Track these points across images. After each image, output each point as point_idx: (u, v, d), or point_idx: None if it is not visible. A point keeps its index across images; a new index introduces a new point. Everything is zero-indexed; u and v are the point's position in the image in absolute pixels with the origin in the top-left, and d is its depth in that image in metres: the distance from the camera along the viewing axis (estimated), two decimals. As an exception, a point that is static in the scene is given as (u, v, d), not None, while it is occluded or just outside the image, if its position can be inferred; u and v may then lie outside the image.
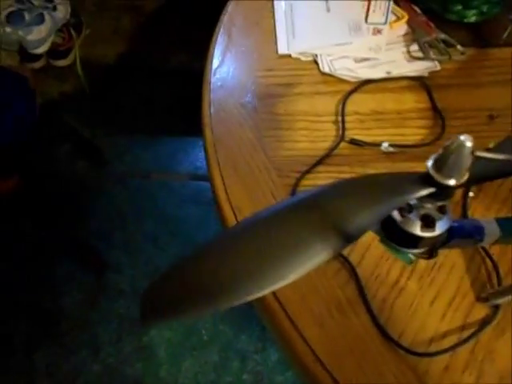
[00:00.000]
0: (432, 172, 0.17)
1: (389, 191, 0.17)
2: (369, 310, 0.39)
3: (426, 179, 0.17)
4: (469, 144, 0.16)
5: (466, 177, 0.17)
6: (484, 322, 0.38)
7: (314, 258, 0.15)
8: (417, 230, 0.19)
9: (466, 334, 0.37)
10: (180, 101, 1.10)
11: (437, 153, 0.17)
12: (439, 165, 0.17)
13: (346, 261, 0.41)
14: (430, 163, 0.17)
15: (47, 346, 1.11)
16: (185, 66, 1.42)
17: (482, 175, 0.18)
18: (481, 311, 0.39)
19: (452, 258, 0.41)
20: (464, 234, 0.21)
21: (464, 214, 0.44)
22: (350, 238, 0.16)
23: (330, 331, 0.38)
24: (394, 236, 0.20)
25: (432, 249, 0.21)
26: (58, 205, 1.30)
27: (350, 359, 0.37)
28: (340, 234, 0.16)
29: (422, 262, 0.41)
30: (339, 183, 0.17)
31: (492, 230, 0.21)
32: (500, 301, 0.38)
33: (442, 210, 0.19)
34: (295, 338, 0.38)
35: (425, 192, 0.17)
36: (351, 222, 0.16)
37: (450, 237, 0.21)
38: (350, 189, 0.17)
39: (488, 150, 0.21)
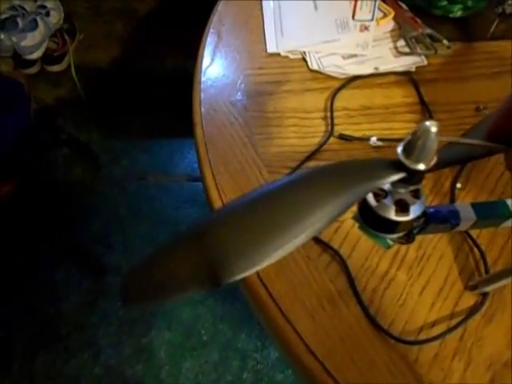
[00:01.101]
0: (402, 157, 0.18)
1: (360, 177, 0.18)
2: (359, 302, 0.39)
3: (396, 165, 0.18)
4: (434, 129, 0.17)
5: (434, 161, 0.18)
6: (472, 310, 0.38)
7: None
8: (391, 214, 0.19)
9: (454, 321, 0.38)
10: (175, 103, 1.10)
11: (406, 139, 0.18)
12: (408, 150, 0.17)
13: (336, 254, 0.42)
14: (399, 149, 0.18)
15: (48, 350, 1.12)
16: (179, 68, 1.42)
17: (451, 159, 0.19)
18: (469, 299, 0.39)
19: (440, 248, 0.42)
20: (440, 218, 0.22)
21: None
22: (321, 226, 0.17)
23: (322, 323, 0.38)
24: (372, 222, 0.21)
25: (409, 233, 0.22)
26: (56, 209, 1.31)
27: (341, 349, 0.37)
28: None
29: (412, 253, 0.42)
30: (311, 172, 0.18)
31: (467, 215, 0.22)
32: (488, 288, 0.38)
33: (416, 195, 0.20)
34: (288, 331, 0.38)
35: (396, 177, 0.18)
36: (321, 209, 0.17)
37: (427, 222, 0.22)
38: (321, 177, 0.18)
39: (462, 135, 0.21)
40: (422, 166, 0.17)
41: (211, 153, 0.49)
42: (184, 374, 1.10)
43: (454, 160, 0.19)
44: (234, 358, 1.11)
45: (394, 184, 0.19)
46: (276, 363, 1.10)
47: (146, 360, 1.11)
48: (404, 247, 0.42)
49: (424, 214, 0.22)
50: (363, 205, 0.21)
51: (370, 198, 0.20)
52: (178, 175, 1.36)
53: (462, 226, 0.23)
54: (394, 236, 0.21)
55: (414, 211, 0.20)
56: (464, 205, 0.23)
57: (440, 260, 0.41)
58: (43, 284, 1.19)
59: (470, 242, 0.42)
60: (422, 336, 0.38)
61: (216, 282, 0.16)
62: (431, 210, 0.22)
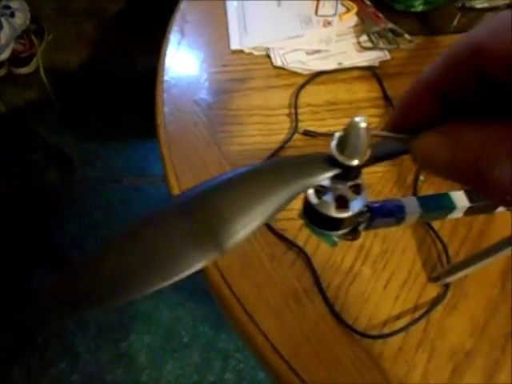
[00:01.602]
0: (335, 153, 0.17)
1: (293, 174, 0.17)
2: (324, 299, 0.39)
3: (330, 160, 0.17)
4: (363, 125, 0.16)
5: (367, 156, 0.17)
6: (435, 301, 0.39)
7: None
8: (332, 211, 0.19)
9: (418, 313, 0.38)
10: (148, 103, 1.09)
11: (338, 134, 0.17)
12: (341, 146, 0.17)
13: (301, 251, 0.42)
14: (333, 145, 0.17)
15: (25, 359, 1.09)
16: (151, 67, 1.40)
17: (385, 153, 0.18)
18: (432, 291, 0.40)
19: (404, 241, 0.42)
20: (385, 213, 0.22)
21: (415, 198, 0.45)
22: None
23: (287, 322, 0.38)
24: (315, 219, 0.20)
25: (355, 230, 0.21)
26: (30, 215, 1.28)
27: (307, 347, 0.37)
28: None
29: (376, 248, 0.42)
30: (237, 172, 0.17)
31: (413, 208, 0.22)
32: (450, 279, 0.39)
33: (356, 191, 0.20)
34: (253, 331, 0.38)
35: (330, 173, 0.18)
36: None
37: (373, 217, 0.22)
38: (254, 175, 0.18)
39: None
40: (355, 162, 0.17)
41: (175, 153, 0.48)
42: (165, 377, 1.09)
43: (389, 154, 0.18)
44: (216, 359, 1.10)
45: (332, 180, 0.19)
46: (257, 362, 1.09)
47: (125, 365, 1.09)
48: (368, 242, 0.42)
49: (369, 209, 0.22)
50: (306, 202, 0.20)
51: (312, 195, 0.20)
52: (154, 176, 1.34)
53: (408, 220, 0.23)
54: (339, 233, 0.21)
55: (354, 207, 0.19)
56: (409, 198, 0.23)
57: (403, 253, 0.42)
58: (18, 291, 1.16)
59: (433, 234, 0.42)
60: (386, 330, 0.38)
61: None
62: (376, 204, 0.22)
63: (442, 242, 0.41)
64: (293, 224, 0.43)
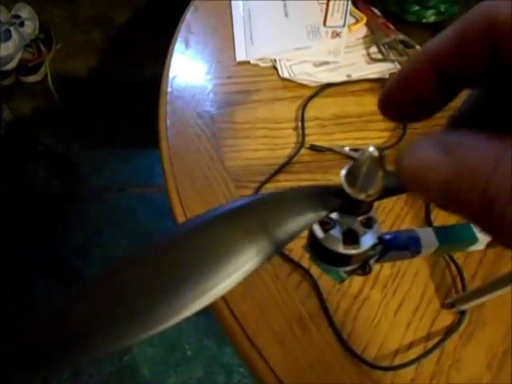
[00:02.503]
0: (344, 185, 0.15)
1: (294, 209, 0.15)
2: (331, 325, 0.37)
3: (338, 193, 0.16)
4: (376, 154, 0.14)
5: (379, 189, 0.15)
6: (450, 330, 0.36)
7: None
8: (339, 247, 0.17)
9: (431, 343, 0.36)
10: (155, 112, 1.08)
11: (348, 165, 0.15)
12: (352, 178, 0.15)
13: (306, 273, 0.39)
14: (342, 175, 0.16)
15: (27, 369, 1.08)
16: (158, 78, 1.40)
17: (397, 187, 0.16)
18: (446, 318, 0.37)
19: (416, 264, 0.40)
20: (399, 246, 0.20)
21: (427, 218, 0.43)
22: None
23: (291, 348, 0.36)
24: (321, 254, 0.18)
25: (365, 264, 0.19)
26: (34, 222, 1.27)
27: (311, 377, 0.35)
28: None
29: (386, 270, 0.40)
30: (241, 204, 0.16)
31: (429, 241, 0.20)
32: (466, 306, 0.36)
33: (367, 224, 0.18)
34: (255, 358, 0.36)
35: (335, 207, 0.16)
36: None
37: (385, 250, 0.20)
38: (251, 210, 0.16)
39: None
40: (363, 196, 0.15)
41: (177, 168, 0.46)
42: (168, 391, 1.07)
43: (399, 188, 0.16)
44: (219, 373, 1.08)
45: (340, 213, 0.17)
46: (262, 377, 1.07)
47: (128, 378, 1.07)
48: (378, 264, 0.40)
49: (381, 241, 0.20)
50: (311, 235, 0.18)
51: (317, 228, 0.18)
52: (159, 186, 1.33)
53: (424, 253, 0.20)
54: (348, 269, 0.19)
55: (365, 242, 0.17)
56: (425, 229, 0.20)
57: (415, 277, 0.39)
58: (21, 300, 1.15)
59: (447, 256, 0.40)
60: (398, 360, 0.35)
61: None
62: (388, 236, 0.20)
63: (456, 264, 0.39)
64: (298, 244, 0.41)
